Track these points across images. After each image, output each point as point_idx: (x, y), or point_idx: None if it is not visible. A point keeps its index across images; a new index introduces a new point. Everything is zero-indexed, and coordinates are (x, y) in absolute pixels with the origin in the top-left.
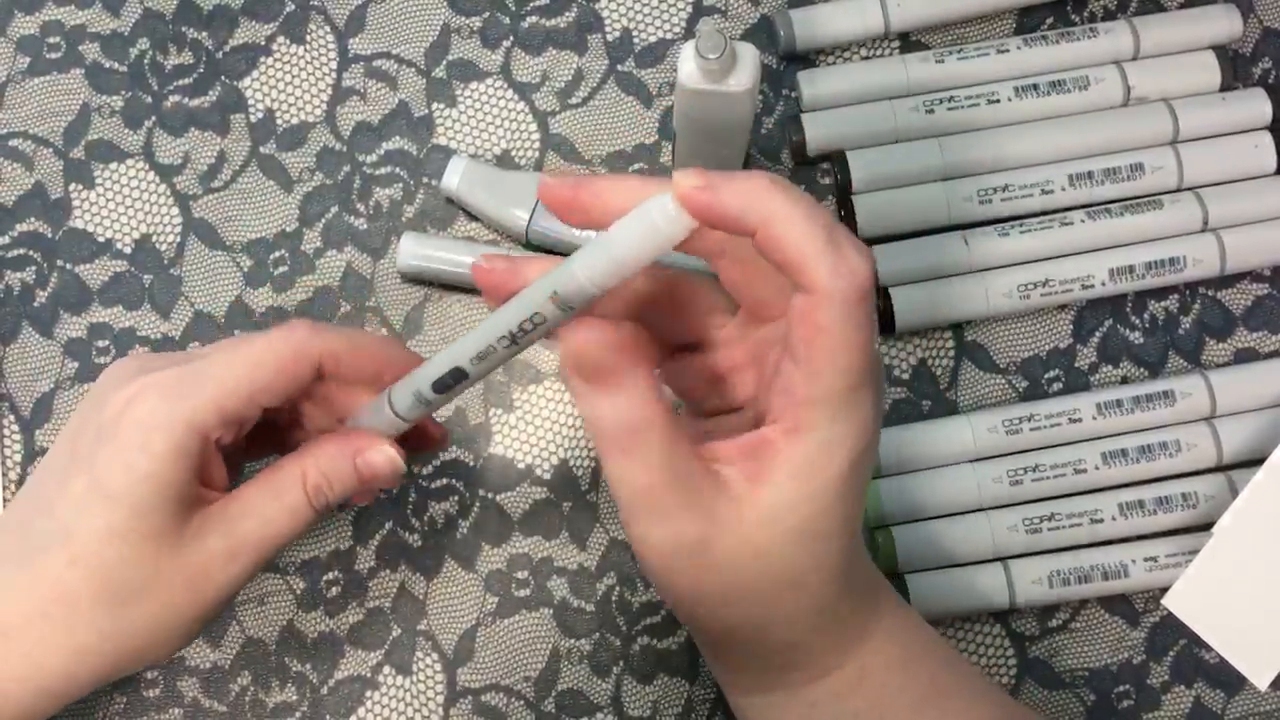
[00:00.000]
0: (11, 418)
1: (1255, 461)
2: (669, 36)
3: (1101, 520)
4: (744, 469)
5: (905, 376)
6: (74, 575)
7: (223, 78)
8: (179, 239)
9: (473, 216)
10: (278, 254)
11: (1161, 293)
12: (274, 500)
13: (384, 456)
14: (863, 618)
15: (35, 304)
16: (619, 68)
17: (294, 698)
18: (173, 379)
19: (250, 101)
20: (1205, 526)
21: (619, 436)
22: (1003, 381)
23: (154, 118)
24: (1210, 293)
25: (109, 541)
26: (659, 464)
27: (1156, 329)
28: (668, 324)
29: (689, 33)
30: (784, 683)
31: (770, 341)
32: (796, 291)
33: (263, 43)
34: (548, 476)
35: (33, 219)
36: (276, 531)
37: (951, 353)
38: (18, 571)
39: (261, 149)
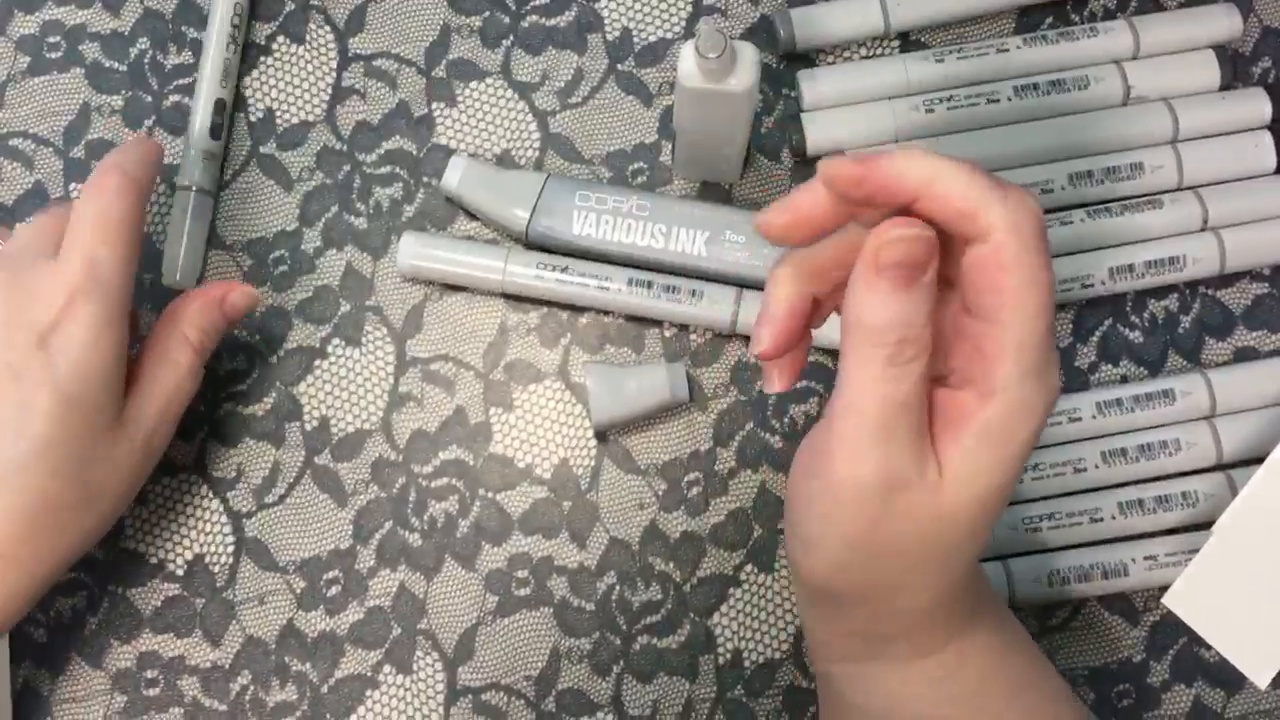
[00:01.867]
0: None
1: (1255, 460)
2: (669, 36)
3: (1101, 519)
4: (938, 430)
5: None
6: (57, 485)
7: None
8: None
9: (473, 216)
10: (278, 253)
11: (1161, 292)
12: (173, 369)
13: (244, 295)
14: (974, 602)
15: None
16: (619, 67)
17: (294, 697)
18: (89, 281)
19: (250, 101)
20: (1205, 525)
21: (893, 342)
22: None
23: (154, 117)
24: (1210, 292)
25: (80, 444)
26: (916, 386)
27: (1156, 328)
28: None
29: (689, 32)
30: (887, 654)
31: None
32: (971, 246)
33: (263, 42)
34: (548, 476)
35: (32, 219)
36: (183, 391)
37: None
38: (2, 495)
39: (261, 148)
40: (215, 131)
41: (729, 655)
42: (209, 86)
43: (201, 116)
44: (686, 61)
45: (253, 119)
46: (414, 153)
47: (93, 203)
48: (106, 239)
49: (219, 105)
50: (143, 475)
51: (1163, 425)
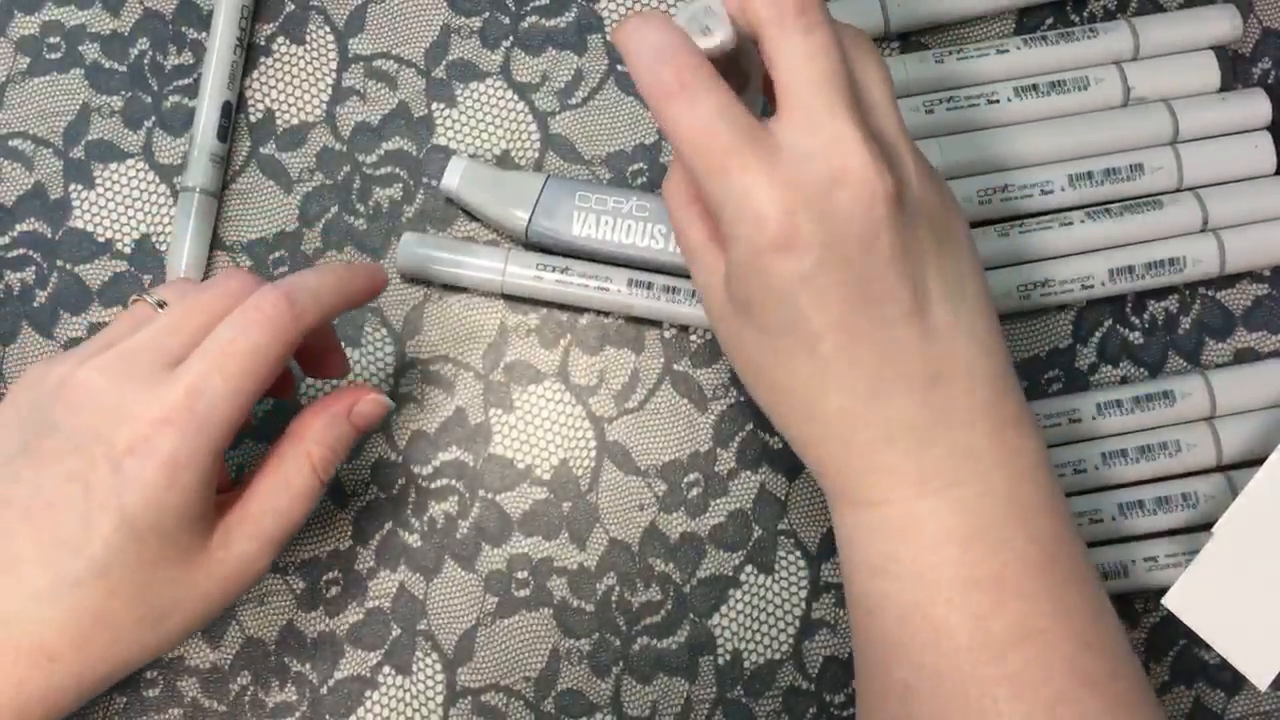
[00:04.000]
0: None
1: (1255, 461)
2: None
3: (1101, 520)
4: None
5: None
6: (115, 605)
7: None
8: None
9: (473, 216)
10: (277, 254)
11: (1161, 293)
12: (286, 492)
13: (374, 404)
14: (928, 470)
15: (35, 304)
16: (619, 68)
17: (294, 698)
18: (185, 412)
19: (250, 101)
20: (1205, 526)
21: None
22: None
23: (154, 118)
24: (1210, 293)
25: (145, 570)
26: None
27: (1156, 329)
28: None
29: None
30: (833, 495)
31: None
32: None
33: (262, 43)
34: (548, 476)
35: (32, 219)
36: (293, 520)
37: None
38: (51, 607)
39: (261, 149)
40: (222, 134)
41: (729, 656)
42: (216, 88)
43: (208, 118)
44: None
45: (252, 120)
46: (414, 153)
47: (235, 324)
48: (226, 370)
49: (226, 107)
50: (225, 602)
51: (1163, 426)
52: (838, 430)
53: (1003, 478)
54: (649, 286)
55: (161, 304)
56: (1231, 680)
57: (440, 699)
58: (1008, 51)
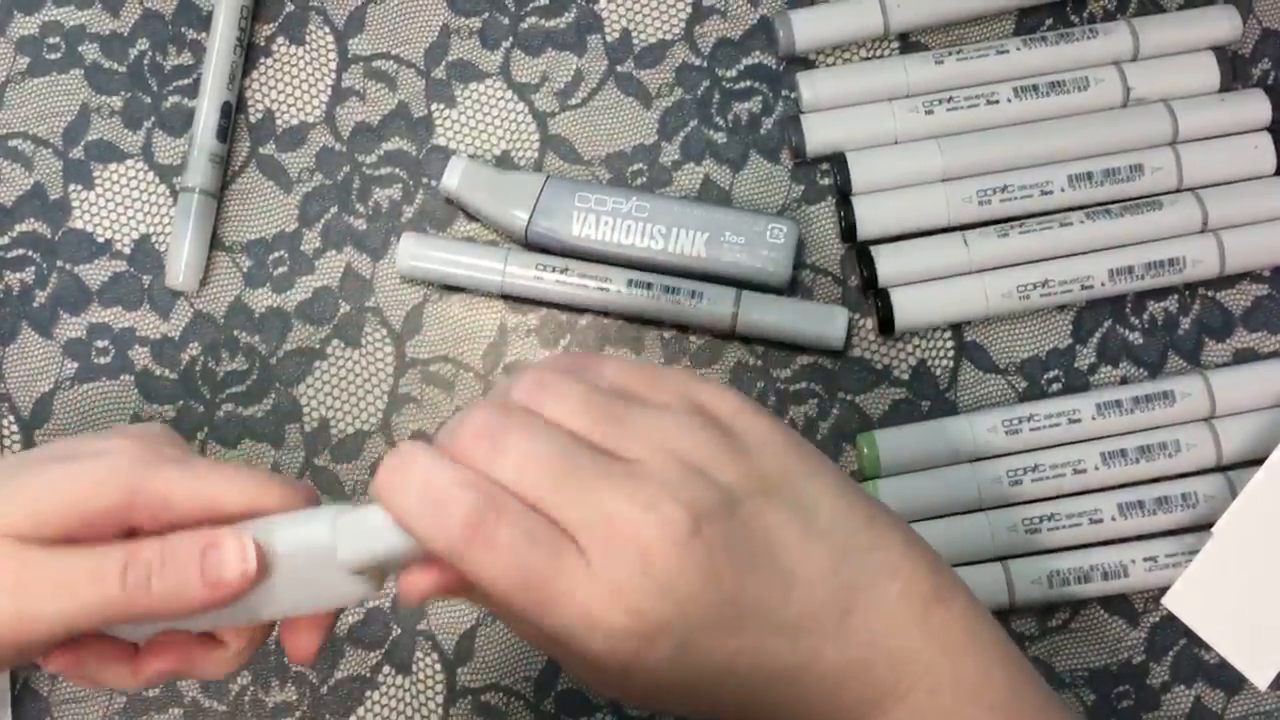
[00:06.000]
0: (11, 418)
1: (1255, 462)
2: (669, 37)
3: (1101, 520)
4: None
5: (905, 377)
6: None
7: None
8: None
9: (472, 217)
10: (277, 254)
11: (1161, 293)
12: (85, 584)
13: (237, 556)
14: (877, 692)
15: (35, 304)
16: (618, 68)
17: (294, 697)
18: None
19: (250, 102)
20: (1205, 526)
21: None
22: (1002, 382)
23: (153, 118)
24: (1210, 293)
25: None
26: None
27: (1156, 329)
28: None
29: (689, 33)
30: None
31: None
32: None
33: (262, 43)
34: None
35: (32, 219)
36: (68, 619)
37: (951, 353)
38: None
39: (261, 149)
40: (222, 134)
41: None
42: (215, 89)
43: (207, 119)
44: None
45: (252, 120)
46: (413, 154)
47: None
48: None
49: (225, 108)
50: None
51: (1162, 427)
52: (782, 708)
53: (944, 665)
54: (649, 286)
55: None
56: (1231, 680)
57: (440, 699)
58: (1008, 51)
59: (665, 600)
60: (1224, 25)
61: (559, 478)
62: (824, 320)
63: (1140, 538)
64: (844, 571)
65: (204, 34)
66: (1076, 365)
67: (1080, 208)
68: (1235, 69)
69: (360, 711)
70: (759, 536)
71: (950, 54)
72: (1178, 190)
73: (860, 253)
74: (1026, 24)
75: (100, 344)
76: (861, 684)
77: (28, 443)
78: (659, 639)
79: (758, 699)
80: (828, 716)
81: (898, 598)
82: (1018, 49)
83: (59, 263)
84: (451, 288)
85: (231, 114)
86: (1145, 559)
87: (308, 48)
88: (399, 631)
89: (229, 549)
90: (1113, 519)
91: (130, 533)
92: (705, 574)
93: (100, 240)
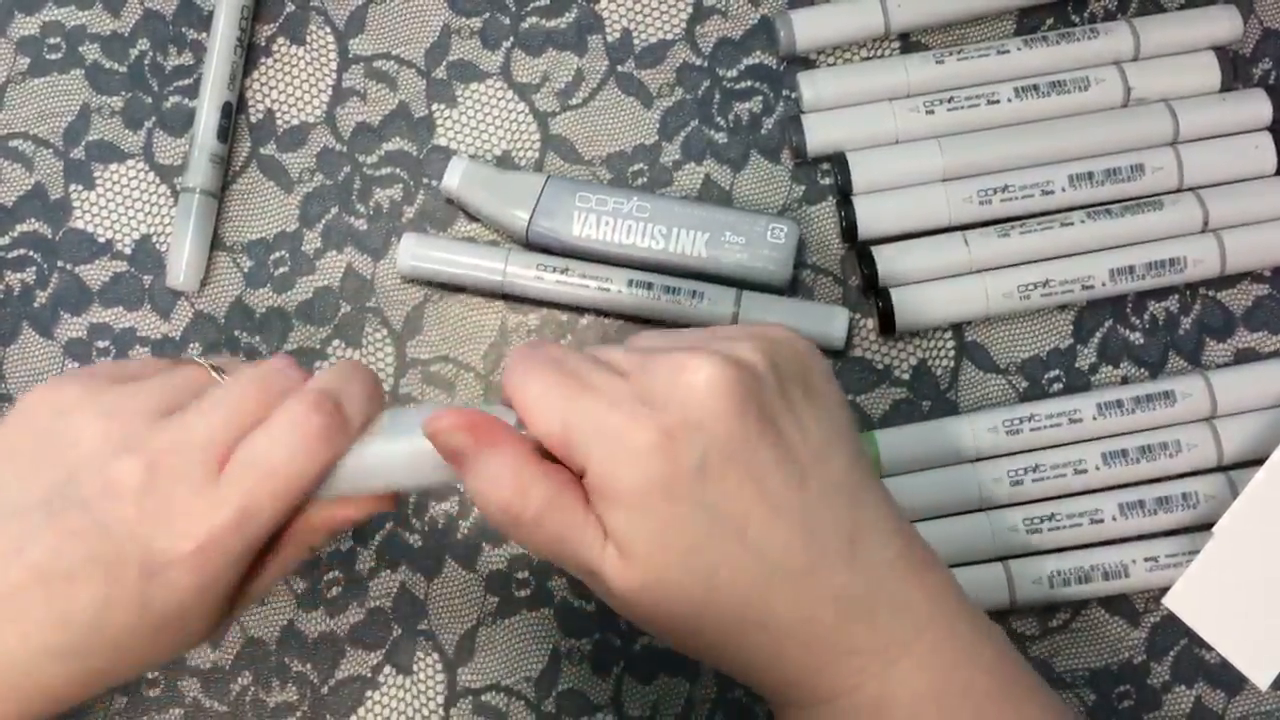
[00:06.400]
0: None
1: (1255, 462)
2: (669, 37)
3: (1102, 520)
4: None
5: (905, 377)
6: (120, 668)
7: None
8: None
9: (473, 217)
10: (278, 254)
11: (1161, 293)
12: (278, 572)
13: (363, 513)
14: (883, 639)
15: (35, 305)
16: (619, 68)
17: (294, 697)
18: (234, 535)
19: (250, 102)
20: (1206, 526)
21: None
22: (1003, 382)
23: (154, 118)
24: (1210, 293)
25: (154, 645)
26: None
27: (1157, 329)
28: None
29: (689, 32)
30: (786, 700)
31: None
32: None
33: (263, 43)
34: None
35: (33, 219)
36: (267, 591)
37: (951, 353)
38: (63, 665)
39: (261, 150)
40: (222, 134)
41: None
42: (216, 89)
43: (208, 119)
44: None
45: (253, 120)
46: (414, 154)
47: (288, 438)
48: (277, 492)
49: (226, 108)
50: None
51: (1163, 426)
52: (793, 627)
53: (941, 621)
54: (649, 286)
55: (215, 365)
56: (1232, 680)
57: (441, 699)
58: (1008, 51)
59: (690, 422)
60: (1225, 25)
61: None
62: (824, 320)
63: (1141, 538)
64: (854, 494)
65: (204, 34)
66: (1077, 365)
67: (1081, 207)
68: (1236, 69)
69: (361, 711)
70: (777, 415)
71: (951, 54)
72: (1178, 190)
73: (861, 253)
74: (1027, 24)
75: (101, 344)
76: (868, 626)
77: None
78: (679, 444)
79: (767, 618)
80: (836, 652)
81: (897, 553)
82: (1018, 49)
83: (60, 263)
84: (452, 288)
85: (232, 114)
86: (1146, 559)
87: (308, 48)
88: (399, 632)
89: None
90: (1113, 519)
91: None
92: (726, 417)
93: (101, 240)
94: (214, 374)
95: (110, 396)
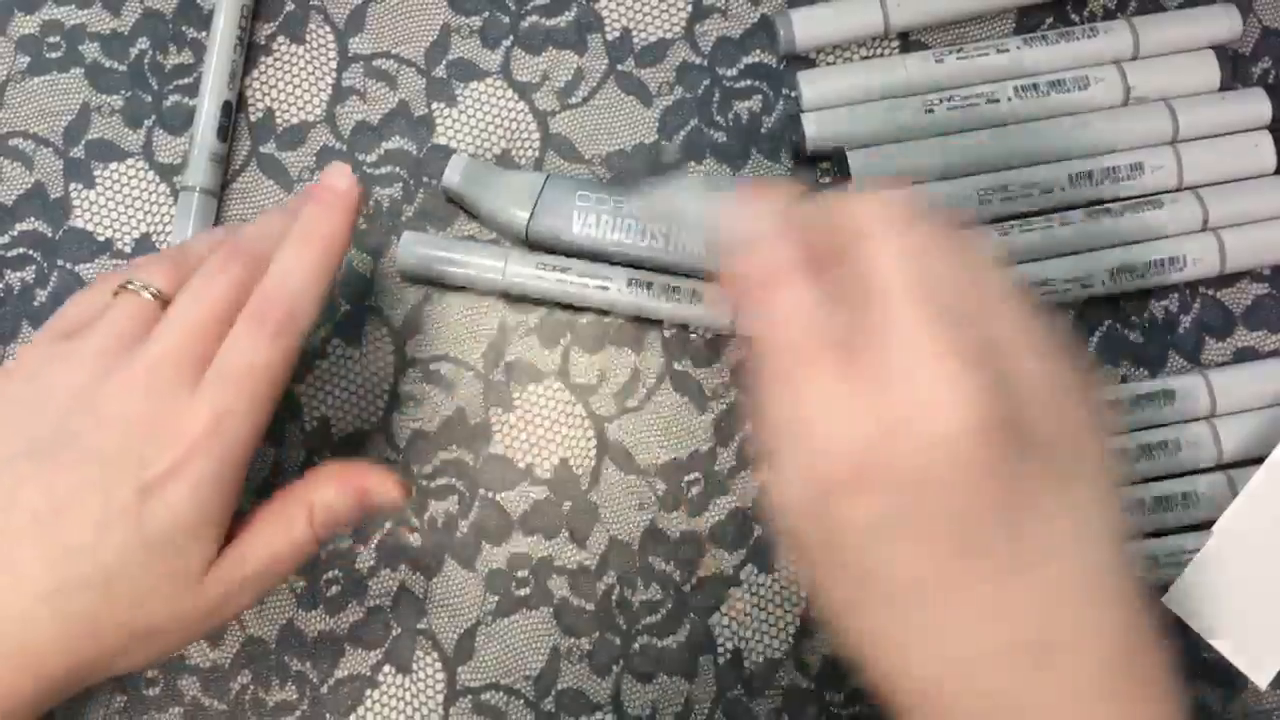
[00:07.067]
0: None
1: (1255, 461)
2: (669, 36)
3: None
4: None
5: None
6: (110, 615)
7: None
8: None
9: (473, 216)
10: None
11: (1161, 292)
12: (284, 535)
13: (389, 495)
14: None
15: (35, 304)
16: (619, 67)
17: (294, 696)
18: (213, 439)
19: (250, 101)
20: (1205, 526)
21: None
22: None
23: (154, 117)
24: (1210, 292)
25: (147, 583)
26: None
27: (1156, 328)
28: None
29: (689, 31)
30: None
31: None
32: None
33: (262, 42)
34: (547, 475)
35: (33, 219)
36: (283, 570)
37: None
38: (49, 608)
39: (261, 148)
40: (222, 133)
41: (729, 655)
42: (216, 88)
43: (208, 118)
44: None
45: (253, 119)
46: (414, 153)
47: (251, 341)
48: (247, 393)
49: (226, 107)
50: (199, 635)
51: (1162, 425)
52: (928, 698)
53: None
54: (649, 286)
55: (153, 291)
56: (1232, 680)
57: (440, 698)
58: (1008, 51)
59: (902, 466)
60: (1224, 24)
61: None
62: None
63: (1140, 537)
64: (1076, 602)
65: (204, 33)
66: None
67: (1081, 206)
68: (1235, 68)
69: (360, 711)
70: (1023, 485)
71: (951, 53)
72: (1178, 189)
73: None
74: (1027, 23)
75: None
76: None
77: None
78: (868, 493)
79: (909, 644)
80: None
81: (1107, 676)
82: (1018, 48)
83: (60, 262)
84: (451, 287)
85: (232, 113)
86: (1145, 558)
87: (308, 46)
88: (399, 631)
89: (378, 495)
90: None
91: None
92: (953, 478)
93: (101, 239)
94: (145, 294)
95: (71, 346)
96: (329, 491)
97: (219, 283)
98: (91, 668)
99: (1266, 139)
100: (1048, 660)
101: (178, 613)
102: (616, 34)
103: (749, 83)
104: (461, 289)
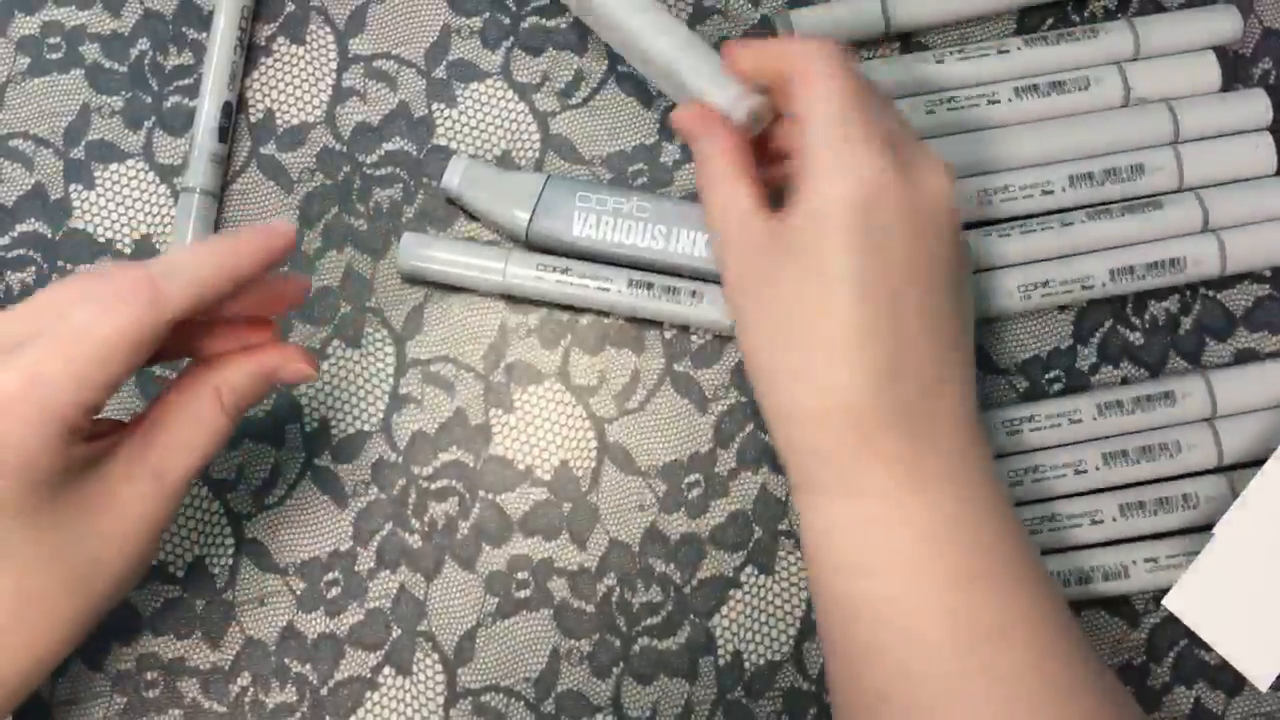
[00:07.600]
0: None
1: (1256, 462)
2: None
3: (1101, 521)
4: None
5: None
6: (33, 580)
7: None
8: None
9: (473, 216)
10: None
11: (1162, 293)
12: (193, 422)
13: (298, 373)
14: (905, 464)
15: None
16: (619, 68)
17: (294, 698)
18: (20, 401)
19: (250, 102)
20: (1206, 527)
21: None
22: (1003, 382)
23: (154, 118)
24: (1210, 293)
25: (44, 536)
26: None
27: (1157, 329)
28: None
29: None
30: (810, 487)
31: None
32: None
33: (263, 43)
34: (548, 477)
35: (33, 219)
36: (201, 456)
37: None
38: None
39: (261, 149)
40: (222, 134)
41: (729, 657)
42: (216, 89)
43: (208, 119)
44: None
45: (253, 120)
46: (414, 154)
47: (88, 308)
48: (69, 355)
49: (226, 108)
50: (142, 551)
51: (1163, 427)
52: (844, 407)
53: (980, 481)
54: (649, 287)
55: None
56: (1232, 681)
57: (441, 700)
58: (1008, 51)
59: (909, 201)
60: (1225, 25)
61: None
62: None
63: (1141, 539)
64: (962, 346)
65: (204, 34)
66: (1077, 365)
67: (1081, 207)
68: (1236, 69)
69: (360, 713)
70: (955, 251)
71: (951, 53)
72: (1179, 190)
73: None
74: (1027, 23)
75: None
76: (914, 446)
77: None
78: (884, 207)
79: (850, 349)
80: (864, 446)
81: (970, 410)
82: (1019, 48)
83: (60, 263)
84: (452, 288)
85: (232, 114)
86: (1146, 560)
87: (308, 47)
88: (399, 632)
89: (287, 374)
90: (1113, 520)
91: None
92: (935, 222)
93: (101, 240)
94: None
95: None
96: (235, 373)
97: (77, 278)
98: (50, 639)
99: (1267, 140)
100: (943, 385)
101: (102, 541)
102: None
103: None
104: (462, 290)
